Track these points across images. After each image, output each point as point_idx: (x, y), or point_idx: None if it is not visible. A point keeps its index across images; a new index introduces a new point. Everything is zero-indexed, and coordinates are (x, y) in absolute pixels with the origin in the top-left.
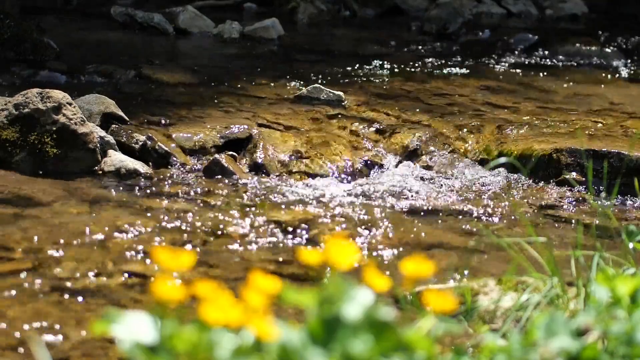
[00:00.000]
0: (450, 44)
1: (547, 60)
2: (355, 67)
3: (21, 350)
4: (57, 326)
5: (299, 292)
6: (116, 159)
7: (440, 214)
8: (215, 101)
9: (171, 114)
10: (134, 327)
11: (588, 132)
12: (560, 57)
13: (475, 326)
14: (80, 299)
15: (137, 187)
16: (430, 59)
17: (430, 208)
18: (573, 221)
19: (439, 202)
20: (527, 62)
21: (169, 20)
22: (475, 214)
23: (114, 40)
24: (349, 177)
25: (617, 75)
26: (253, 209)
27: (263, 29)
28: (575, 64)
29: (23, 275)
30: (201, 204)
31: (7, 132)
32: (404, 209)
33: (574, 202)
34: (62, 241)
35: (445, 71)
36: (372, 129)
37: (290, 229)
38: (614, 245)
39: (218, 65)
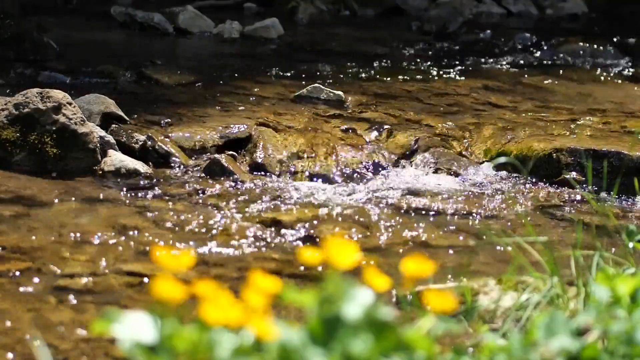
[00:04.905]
0: (450, 43)
1: (547, 60)
2: (355, 67)
3: (21, 350)
4: (57, 326)
5: (299, 292)
6: (116, 158)
7: (441, 213)
8: (215, 101)
9: (171, 113)
10: (134, 327)
11: (588, 131)
12: (560, 56)
13: (475, 326)
14: (80, 299)
15: (137, 187)
16: (430, 59)
17: (430, 208)
18: (573, 221)
19: (439, 201)
20: (527, 62)
21: (169, 20)
22: (475, 214)
23: (114, 40)
24: (349, 177)
25: (617, 75)
26: (253, 208)
27: (263, 29)
28: (575, 64)
29: (23, 274)
30: (201, 204)
31: (7, 132)
32: (403, 209)
33: (574, 202)
34: (62, 241)
35: (445, 71)
36: (372, 128)
37: (290, 228)
38: (614, 245)
39: (218, 65)
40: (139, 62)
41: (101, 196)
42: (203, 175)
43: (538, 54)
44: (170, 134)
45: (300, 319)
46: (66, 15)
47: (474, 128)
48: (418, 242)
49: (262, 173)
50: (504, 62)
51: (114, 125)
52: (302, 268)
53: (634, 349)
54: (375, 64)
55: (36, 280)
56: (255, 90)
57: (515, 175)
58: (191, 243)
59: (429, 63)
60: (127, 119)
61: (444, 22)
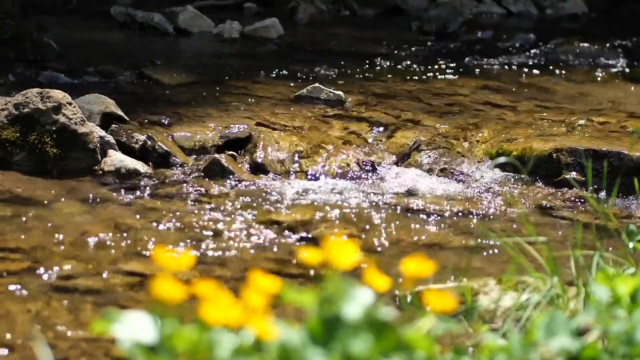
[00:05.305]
0: (450, 43)
1: (547, 60)
2: (355, 67)
3: (21, 350)
4: (57, 326)
5: (299, 292)
6: (116, 158)
7: (440, 214)
8: (215, 101)
9: (171, 113)
10: (134, 327)
11: (588, 131)
12: (560, 56)
13: (475, 326)
14: (80, 298)
15: (137, 187)
16: (430, 59)
17: (430, 208)
18: (573, 221)
19: (439, 202)
20: (527, 62)
21: (169, 20)
22: (475, 214)
23: (114, 40)
24: (349, 177)
25: (617, 74)
26: (253, 208)
27: (263, 29)
28: (575, 64)
29: (23, 275)
30: (201, 204)
31: (7, 131)
32: (403, 209)
33: (574, 202)
34: (62, 241)
35: (445, 71)
36: (372, 128)
37: (290, 228)
38: (614, 245)
39: (218, 65)
40: (139, 62)
41: (101, 196)
42: (203, 175)
43: (538, 54)
44: (170, 134)
45: (300, 319)
46: (66, 15)
47: (474, 128)
48: (418, 242)
49: (262, 173)
50: (504, 62)
51: (114, 125)
52: (302, 268)
53: (634, 349)
54: (375, 64)
55: (36, 280)
56: (255, 90)
57: (515, 175)
58: (191, 243)
59: (429, 63)
60: (127, 119)
61: (444, 22)
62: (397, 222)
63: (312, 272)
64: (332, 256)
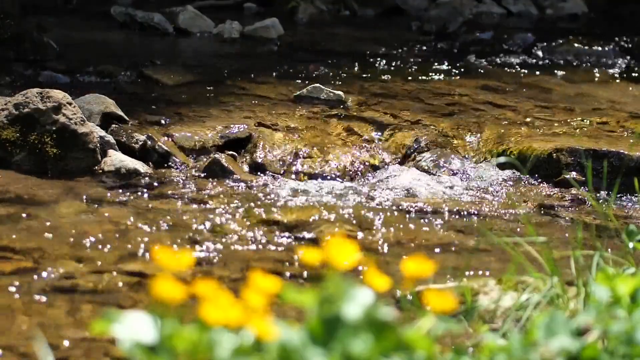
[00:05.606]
0: (450, 43)
1: (547, 60)
2: (355, 67)
3: (21, 350)
4: (57, 326)
5: (299, 292)
6: (116, 158)
7: (440, 214)
8: (215, 101)
9: (171, 113)
10: (134, 327)
11: (588, 131)
12: (560, 57)
13: (475, 326)
14: (80, 298)
15: (137, 187)
16: (430, 59)
17: (430, 208)
18: (573, 221)
19: (439, 202)
20: (527, 62)
21: (169, 20)
22: (475, 214)
23: (114, 40)
24: (349, 177)
25: (617, 75)
26: (253, 208)
27: (263, 29)
28: (575, 64)
29: (23, 274)
30: (201, 204)
31: (7, 131)
32: (403, 209)
33: (574, 202)
34: (61, 241)
35: (445, 71)
36: (372, 128)
37: (290, 228)
38: (614, 245)
39: (218, 65)
40: (139, 62)
41: (101, 196)
42: (203, 175)
43: (538, 54)
44: (170, 134)
45: (300, 319)
46: (66, 15)
47: (474, 128)
48: (418, 242)
49: (262, 173)
50: (504, 62)
51: (114, 125)
52: (302, 268)
53: (634, 349)
54: (375, 64)
55: (36, 280)
56: (256, 90)
57: (515, 175)
58: (191, 243)
59: (429, 63)
60: (127, 119)
61: (444, 22)
62: (397, 222)
63: (312, 272)
64: (332, 256)
